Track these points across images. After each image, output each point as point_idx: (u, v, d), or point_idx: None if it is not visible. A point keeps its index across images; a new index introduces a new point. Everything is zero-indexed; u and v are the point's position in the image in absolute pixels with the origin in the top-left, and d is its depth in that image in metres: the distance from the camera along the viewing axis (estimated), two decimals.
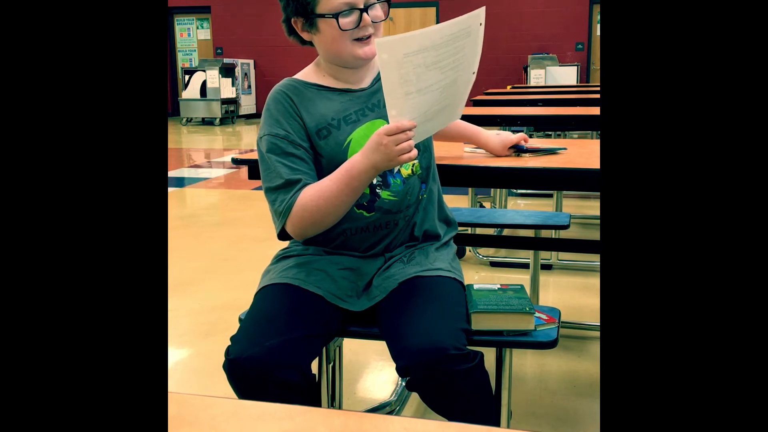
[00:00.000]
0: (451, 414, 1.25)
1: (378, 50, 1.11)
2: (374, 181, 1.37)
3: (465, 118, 1.75)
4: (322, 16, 1.32)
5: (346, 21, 1.32)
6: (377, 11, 1.35)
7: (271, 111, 1.38)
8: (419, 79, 1.15)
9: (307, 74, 1.45)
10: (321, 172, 1.37)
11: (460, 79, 1.24)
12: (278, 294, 1.36)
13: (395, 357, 1.24)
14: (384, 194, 1.39)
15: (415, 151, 1.22)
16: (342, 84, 1.43)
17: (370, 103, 1.42)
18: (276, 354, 1.21)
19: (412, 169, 1.42)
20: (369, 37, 1.35)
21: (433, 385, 1.21)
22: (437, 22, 12.49)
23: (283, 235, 1.37)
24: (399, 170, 1.41)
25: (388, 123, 1.21)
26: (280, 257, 1.48)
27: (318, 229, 1.35)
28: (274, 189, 1.34)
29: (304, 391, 1.25)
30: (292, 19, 1.38)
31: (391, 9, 1.40)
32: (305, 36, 1.40)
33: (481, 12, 1.19)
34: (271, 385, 1.20)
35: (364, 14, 1.32)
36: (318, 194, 1.30)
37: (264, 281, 1.42)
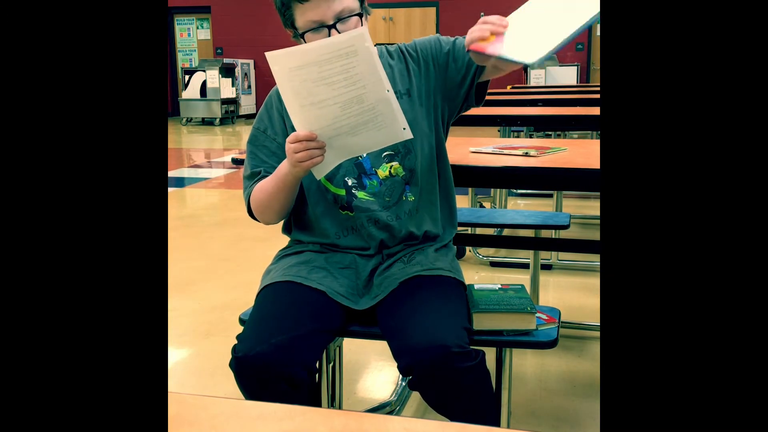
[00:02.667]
0: (452, 413, 1.25)
1: (269, 62, 1.18)
2: (349, 183, 1.44)
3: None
4: (297, 30, 1.38)
5: (314, 38, 1.34)
6: (349, 25, 1.35)
7: (261, 109, 1.52)
8: (310, 93, 1.21)
9: None
10: None
11: (371, 98, 1.24)
12: (282, 292, 1.37)
13: (397, 356, 1.24)
14: (360, 194, 1.44)
15: (314, 161, 1.25)
16: None
17: None
18: (283, 351, 1.22)
19: (390, 171, 1.44)
20: None
21: (436, 383, 1.21)
22: (437, 22, 12.57)
23: (251, 215, 1.51)
24: (376, 171, 1.44)
25: None
26: (281, 256, 1.50)
27: (270, 217, 1.47)
28: (245, 177, 1.51)
29: (310, 389, 1.26)
30: (287, 28, 1.44)
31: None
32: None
33: (363, 32, 1.18)
34: (278, 382, 1.21)
35: (333, 30, 1.34)
36: (261, 189, 1.43)
37: (266, 280, 1.44)
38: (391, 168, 1.44)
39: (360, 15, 1.38)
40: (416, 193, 1.47)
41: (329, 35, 1.34)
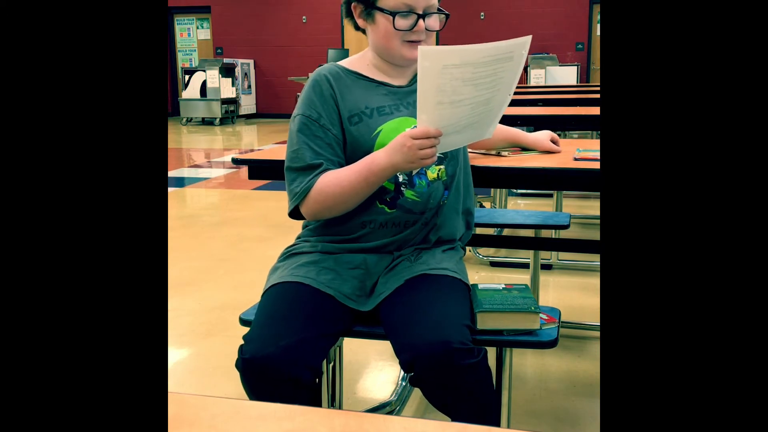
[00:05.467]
0: (453, 410, 1.25)
1: (420, 57, 1.15)
2: (400, 179, 1.40)
3: None
4: (381, 10, 1.36)
5: (402, 22, 1.36)
6: (434, 21, 1.40)
7: (309, 92, 1.42)
8: (454, 91, 1.20)
9: (352, 62, 1.49)
10: (345, 158, 1.42)
11: (495, 99, 1.29)
12: (290, 292, 1.36)
13: (399, 352, 1.24)
14: (408, 193, 1.41)
15: (435, 158, 1.26)
16: (383, 77, 1.47)
17: (406, 101, 1.45)
18: (291, 353, 1.21)
19: (438, 174, 1.44)
20: (420, 41, 1.39)
21: (438, 380, 1.21)
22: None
23: (294, 214, 1.41)
24: (425, 172, 1.43)
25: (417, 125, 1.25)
26: (288, 254, 1.48)
27: (331, 214, 1.39)
28: (295, 169, 1.38)
29: (313, 390, 1.26)
30: (353, 3, 1.42)
31: None
32: (360, 23, 1.44)
33: (527, 40, 1.24)
34: (284, 383, 1.20)
35: (421, 20, 1.36)
36: (336, 182, 1.34)
37: (273, 278, 1.42)
38: (438, 171, 1.44)
39: (447, 16, 1.42)
40: (449, 198, 1.48)
41: (416, 23, 1.36)
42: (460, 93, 1.21)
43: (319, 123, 1.39)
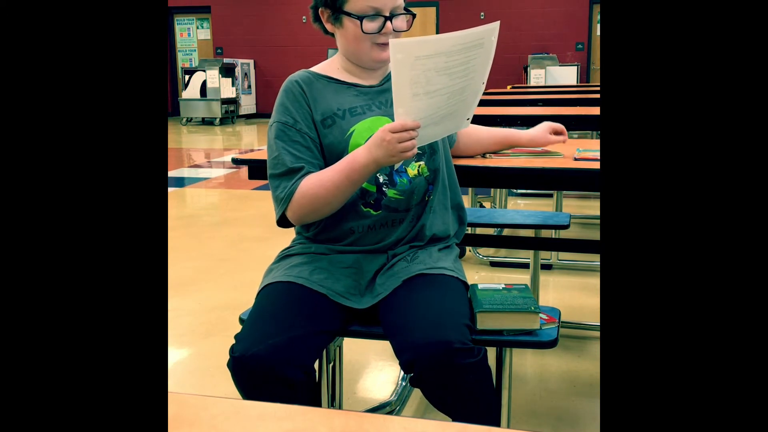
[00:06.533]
0: (453, 410, 1.25)
1: (392, 50, 1.15)
2: (380, 179, 1.41)
3: None
4: (348, 14, 1.37)
5: (370, 25, 1.37)
6: (401, 22, 1.40)
7: (282, 100, 1.43)
8: (428, 82, 1.20)
9: (322, 67, 1.50)
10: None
11: (469, 88, 1.29)
12: (282, 292, 1.36)
13: (399, 352, 1.24)
14: (390, 193, 1.41)
15: (415, 150, 1.26)
16: (353, 79, 1.47)
17: (377, 100, 1.46)
18: (281, 352, 1.21)
19: (418, 170, 1.44)
20: (388, 43, 1.38)
21: (438, 379, 1.21)
22: (437, 22, 12.56)
23: (282, 221, 1.41)
24: (405, 170, 1.43)
25: (393, 120, 1.26)
26: (283, 256, 1.49)
27: (317, 216, 1.39)
28: (277, 176, 1.39)
29: (308, 390, 1.26)
30: (320, 9, 1.43)
31: None
32: (329, 27, 1.45)
33: (495, 26, 1.25)
34: (275, 383, 1.20)
35: (388, 22, 1.37)
36: (319, 183, 1.34)
37: (267, 279, 1.43)
38: (419, 167, 1.44)
39: (413, 16, 1.42)
40: (434, 193, 1.48)
41: (383, 25, 1.37)
42: (435, 83, 1.21)
43: (296, 128, 1.39)
